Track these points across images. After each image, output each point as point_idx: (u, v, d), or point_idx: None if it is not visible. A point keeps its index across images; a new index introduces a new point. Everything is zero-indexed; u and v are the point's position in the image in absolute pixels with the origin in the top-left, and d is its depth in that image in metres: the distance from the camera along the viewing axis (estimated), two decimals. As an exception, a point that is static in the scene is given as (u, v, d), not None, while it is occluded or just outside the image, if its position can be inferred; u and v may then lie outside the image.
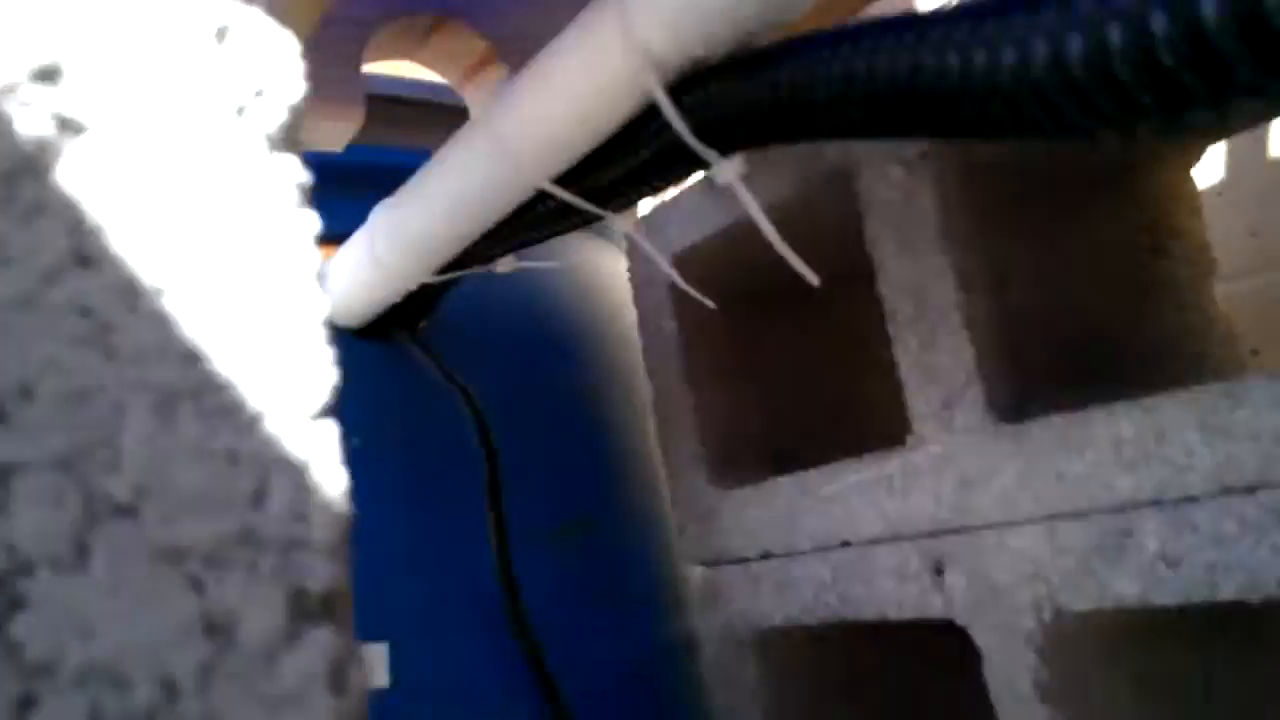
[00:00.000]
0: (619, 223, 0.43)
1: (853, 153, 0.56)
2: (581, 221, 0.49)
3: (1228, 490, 0.40)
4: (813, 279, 0.42)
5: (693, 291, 0.48)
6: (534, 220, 0.49)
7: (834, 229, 0.59)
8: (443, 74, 0.67)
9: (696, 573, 0.70)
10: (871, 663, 0.65)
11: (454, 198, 0.49)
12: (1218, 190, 0.73)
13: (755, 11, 0.32)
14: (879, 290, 0.55)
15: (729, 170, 0.38)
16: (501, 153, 0.43)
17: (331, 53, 0.57)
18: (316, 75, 0.57)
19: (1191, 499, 0.41)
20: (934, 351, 0.52)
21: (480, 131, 0.45)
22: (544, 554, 0.68)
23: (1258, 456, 0.39)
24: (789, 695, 0.65)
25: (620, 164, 0.42)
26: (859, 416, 0.72)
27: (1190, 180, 0.57)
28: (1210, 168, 0.75)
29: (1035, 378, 0.52)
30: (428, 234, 0.52)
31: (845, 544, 0.59)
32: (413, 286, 0.58)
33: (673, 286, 0.71)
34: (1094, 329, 0.54)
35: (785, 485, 0.62)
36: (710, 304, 0.56)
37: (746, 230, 0.66)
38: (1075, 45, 0.22)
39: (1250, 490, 0.40)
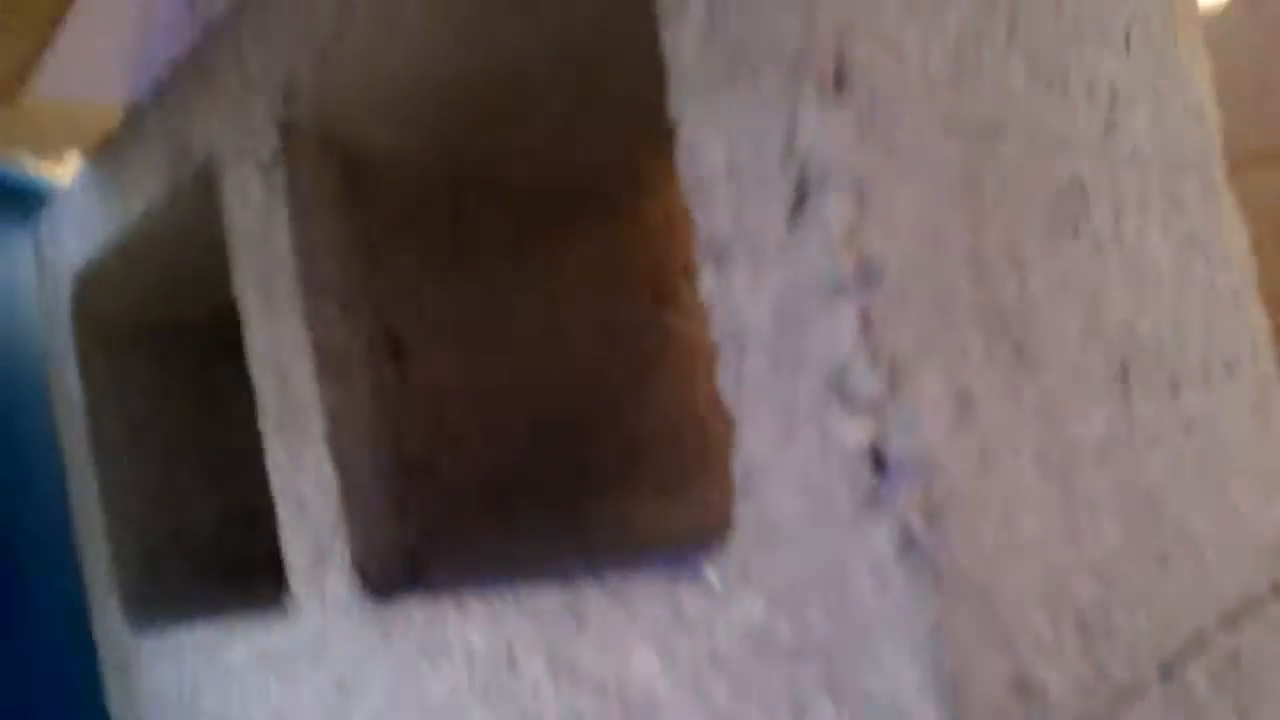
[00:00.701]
0: None
1: (216, 147, 0.36)
2: None
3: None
4: None
5: None
6: None
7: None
8: None
9: (126, 741, 0.49)
10: None
11: None
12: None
13: None
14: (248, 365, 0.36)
15: None
16: None
17: None
18: None
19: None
20: (300, 473, 0.34)
21: None
22: None
23: (601, 713, 0.23)
24: None
25: None
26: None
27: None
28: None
29: (448, 508, 0.34)
30: None
31: (243, 741, 0.40)
32: None
33: (78, 317, 0.49)
34: (559, 415, 0.37)
35: (187, 645, 0.42)
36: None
37: (153, 242, 0.45)
38: None
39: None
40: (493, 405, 0.36)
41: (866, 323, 0.17)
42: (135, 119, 0.41)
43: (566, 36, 0.31)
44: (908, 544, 0.16)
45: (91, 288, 0.47)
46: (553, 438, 0.37)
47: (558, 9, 0.29)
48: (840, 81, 0.18)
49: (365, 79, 0.32)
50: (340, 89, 0.32)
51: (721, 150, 0.20)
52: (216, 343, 0.51)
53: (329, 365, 0.33)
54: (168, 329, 0.50)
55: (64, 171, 0.53)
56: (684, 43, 0.20)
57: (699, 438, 0.40)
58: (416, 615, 0.29)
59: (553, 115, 0.35)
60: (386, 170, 0.35)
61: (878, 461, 0.17)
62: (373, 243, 0.35)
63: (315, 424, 0.33)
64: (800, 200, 0.19)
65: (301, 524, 0.34)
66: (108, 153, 0.43)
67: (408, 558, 0.32)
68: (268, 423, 0.35)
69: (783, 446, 0.19)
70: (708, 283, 0.20)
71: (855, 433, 0.17)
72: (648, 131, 0.37)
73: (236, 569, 0.50)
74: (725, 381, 0.20)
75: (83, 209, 0.46)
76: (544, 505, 0.36)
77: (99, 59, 0.41)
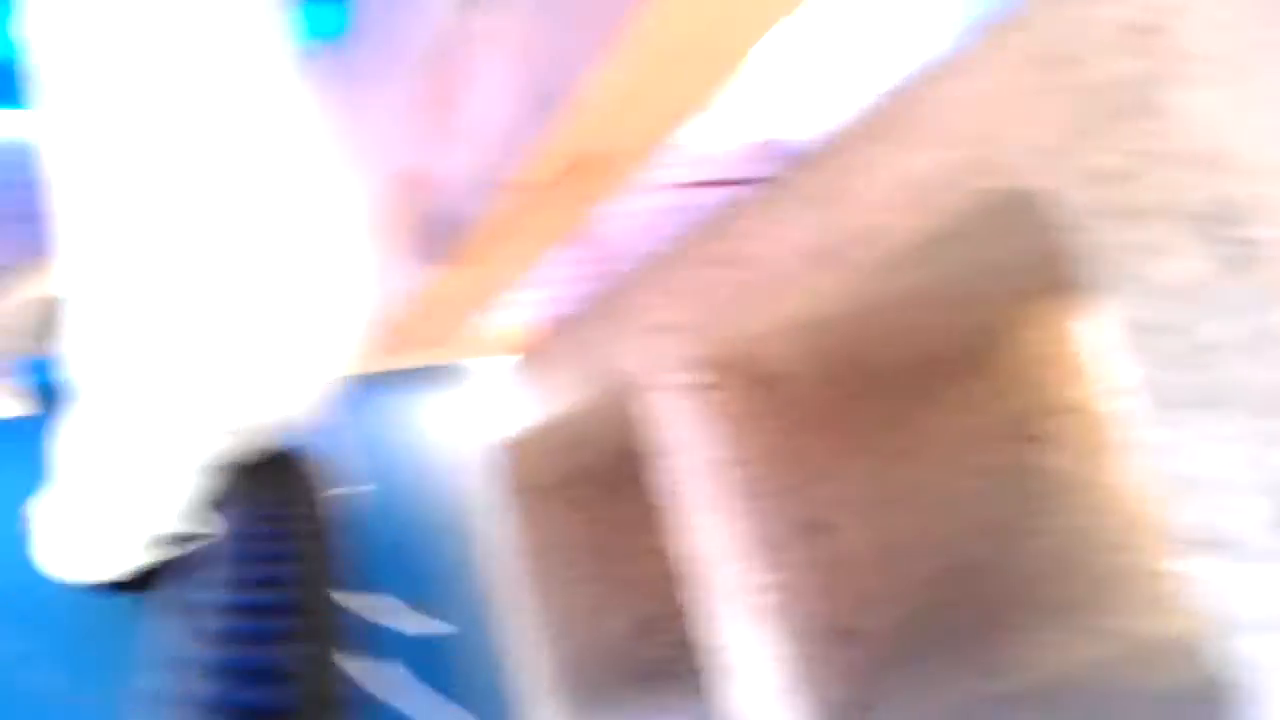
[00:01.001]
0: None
1: (635, 371, 0.44)
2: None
3: None
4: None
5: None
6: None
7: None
8: None
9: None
10: None
11: None
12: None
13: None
14: (676, 548, 0.43)
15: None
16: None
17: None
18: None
19: None
20: (755, 642, 0.40)
21: None
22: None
23: None
24: None
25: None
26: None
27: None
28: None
29: (873, 664, 0.40)
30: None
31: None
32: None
33: (513, 473, 0.59)
34: (957, 564, 0.41)
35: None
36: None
37: (577, 424, 0.54)
38: None
39: None
40: (900, 564, 0.41)
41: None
42: (559, 339, 0.51)
43: (956, 273, 0.35)
44: None
45: (521, 451, 0.57)
46: (954, 586, 0.41)
47: (955, 259, 0.34)
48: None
49: (772, 324, 0.38)
50: (752, 330, 0.39)
51: (1196, 459, 0.23)
52: (619, 481, 0.59)
53: (770, 549, 0.39)
54: (579, 475, 0.60)
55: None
56: (1161, 376, 0.24)
57: (1089, 567, 0.43)
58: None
59: (928, 307, 0.40)
60: (793, 381, 0.41)
61: None
62: (791, 441, 0.41)
63: (759, 600, 0.39)
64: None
65: (752, 689, 0.40)
66: (535, 360, 0.53)
67: (853, 713, 0.37)
68: (700, 591, 0.42)
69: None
70: (1192, 564, 0.24)
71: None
72: (1004, 294, 0.41)
73: (647, 672, 0.58)
74: (1232, 655, 0.23)
75: (515, 397, 0.56)
76: (953, 649, 0.41)
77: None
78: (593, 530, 0.60)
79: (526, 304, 0.50)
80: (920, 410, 0.43)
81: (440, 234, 0.38)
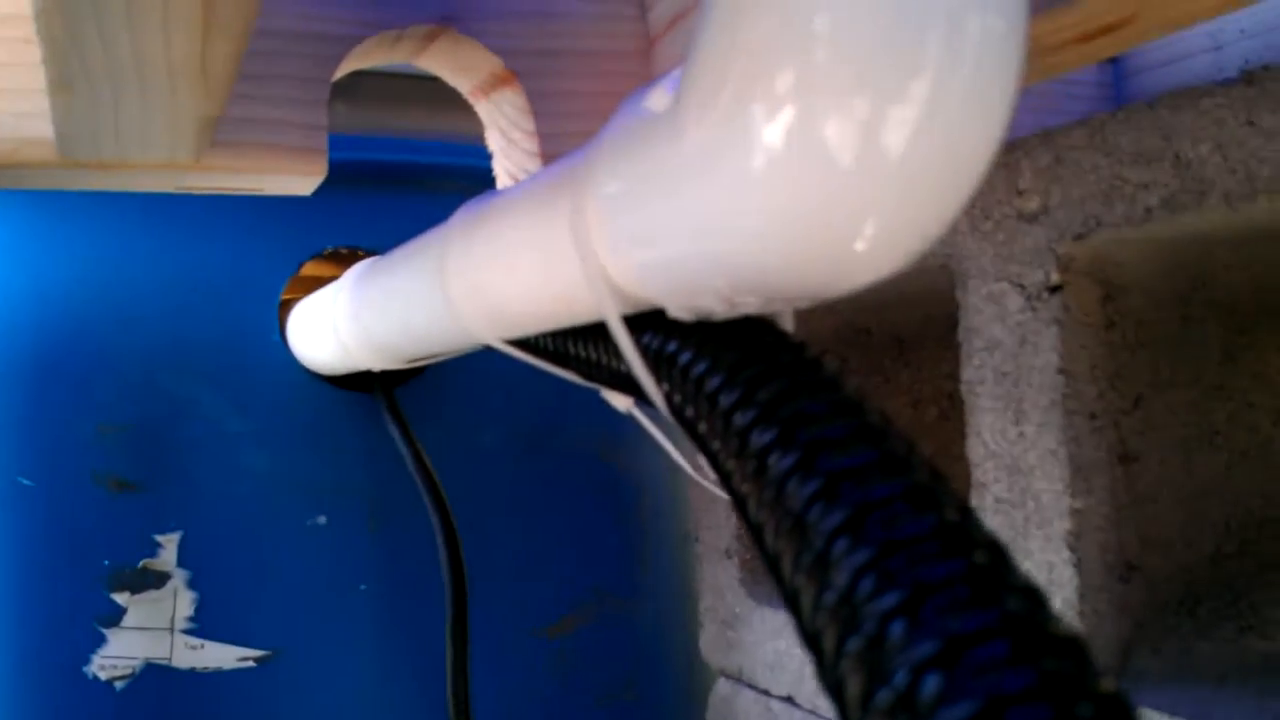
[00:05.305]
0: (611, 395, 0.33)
1: (963, 263, 0.41)
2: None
3: None
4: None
5: (702, 480, 0.36)
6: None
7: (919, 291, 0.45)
8: (449, 81, 0.54)
9: (718, 679, 0.62)
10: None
11: (407, 323, 0.38)
12: None
13: (727, 286, 0.20)
14: (967, 452, 0.42)
15: (624, 401, 0.31)
16: (450, 311, 0.33)
17: (292, 82, 0.45)
18: (272, 116, 0.45)
19: None
20: (1030, 563, 0.39)
21: (432, 276, 0.34)
22: (541, 651, 0.60)
23: None
24: None
25: (571, 350, 0.33)
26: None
27: None
28: None
29: (1149, 607, 0.39)
30: (385, 342, 0.42)
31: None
32: (379, 368, 0.49)
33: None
34: (1257, 518, 0.40)
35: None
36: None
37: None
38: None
39: None
40: (1195, 507, 0.40)
41: None
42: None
43: None
44: None
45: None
46: (1245, 536, 0.40)
47: None
48: None
49: (1141, 232, 0.35)
50: (1116, 235, 0.36)
51: None
52: (903, 360, 0.58)
53: (1078, 475, 0.38)
54: (857, 341, 0.57)
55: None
56: None
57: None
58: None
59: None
60: (1130, 295, 0.39)
61: None
62: (1116, 360, 0.38)
63: (1058, 525, 0.38)
64: None
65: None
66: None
67: (1122, 653, 0.37)
68: (987, 502, 0.41)
69: None
70: None
71: None
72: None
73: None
74: None
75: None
76: (1230, 601, 0.40)
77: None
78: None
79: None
80: (1252, 353, 0.40)
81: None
